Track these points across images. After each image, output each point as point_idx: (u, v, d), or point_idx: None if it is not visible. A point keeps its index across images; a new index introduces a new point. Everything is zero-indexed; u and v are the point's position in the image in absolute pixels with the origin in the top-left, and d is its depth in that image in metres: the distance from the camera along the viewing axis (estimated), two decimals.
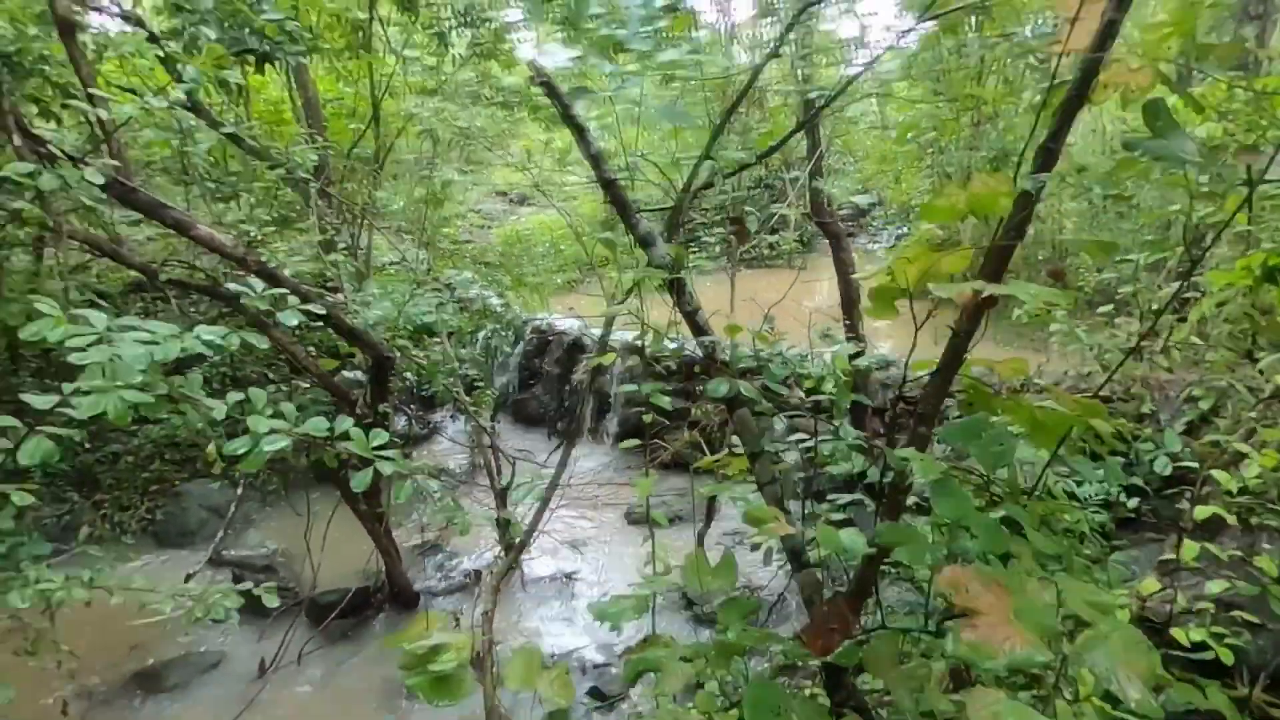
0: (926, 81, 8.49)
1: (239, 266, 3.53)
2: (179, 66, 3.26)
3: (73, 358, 1.56)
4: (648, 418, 3.77)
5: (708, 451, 6.43)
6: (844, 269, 5.79)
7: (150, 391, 1.56)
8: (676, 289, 1.76)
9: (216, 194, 5.72)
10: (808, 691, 3.19)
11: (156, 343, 1.73)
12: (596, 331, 8.90)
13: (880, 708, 2.45)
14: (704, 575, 1.92)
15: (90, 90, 3.09)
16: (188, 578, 5.59)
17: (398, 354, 4.59)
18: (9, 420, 1.95)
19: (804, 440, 2.21)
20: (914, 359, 1.93)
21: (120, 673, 4.98)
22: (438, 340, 6.77)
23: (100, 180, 2.28)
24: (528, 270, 8.83)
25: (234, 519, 6.45)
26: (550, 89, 1.76)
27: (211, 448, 1.80)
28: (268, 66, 5.56)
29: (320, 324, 3.98)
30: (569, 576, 6.10)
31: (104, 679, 4.92)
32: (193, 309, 6.69)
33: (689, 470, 7.67)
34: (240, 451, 1.71)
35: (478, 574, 6.13)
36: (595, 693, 4.69)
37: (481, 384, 7.30)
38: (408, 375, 8.03)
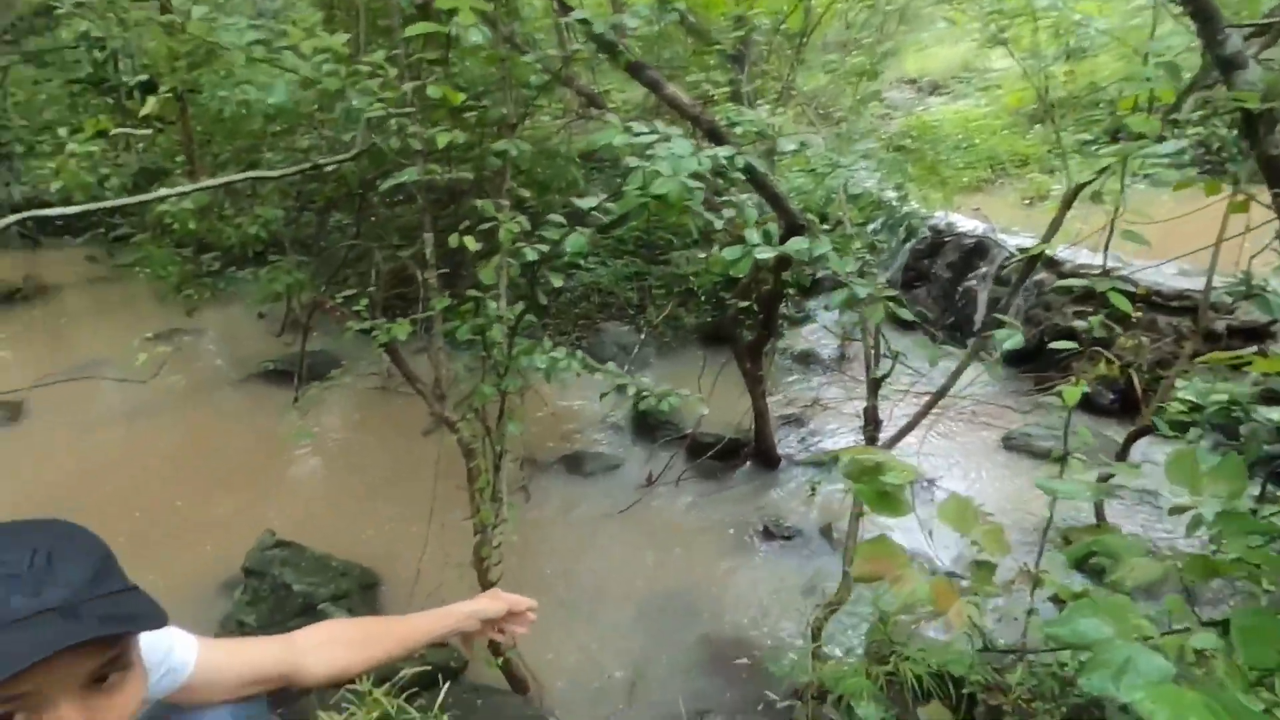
0: None
1: (694, 124, 3.91)
2: None
3: (629, 160, 1.94)
4: (1092, 321, 3.29)
5: (1139, 393, 5.41)
6: None
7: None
8: (1266, 124, 1.42)
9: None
10: None
11: (681, 157, 2.04)
12: (1005, 237, 7.92)
13: None
14: (1195, 477, 1.66)
15: None
16: (602, 396, 6.85)
17: (807, 225, 4.71)
18: (559, 218, 2.54)
19: None
20: None
21: (552, 454, 6.43)
22: (825, 226, 6.76)
23: (605, 28, 2.68)
24: (935, 164, 8.12)
25: (637, 358, 7.62)
26: None
27: (716, 250, 2.11)
28: None
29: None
30: (931, 482, 5.89)
31: (541, 456, 6.43)
32: None
33: (1091, 412, 6.62)
34: (734, 258, 1.99)
35: (835, 455, 6.30)
36: None
37: (873, 273, 7.14)
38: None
